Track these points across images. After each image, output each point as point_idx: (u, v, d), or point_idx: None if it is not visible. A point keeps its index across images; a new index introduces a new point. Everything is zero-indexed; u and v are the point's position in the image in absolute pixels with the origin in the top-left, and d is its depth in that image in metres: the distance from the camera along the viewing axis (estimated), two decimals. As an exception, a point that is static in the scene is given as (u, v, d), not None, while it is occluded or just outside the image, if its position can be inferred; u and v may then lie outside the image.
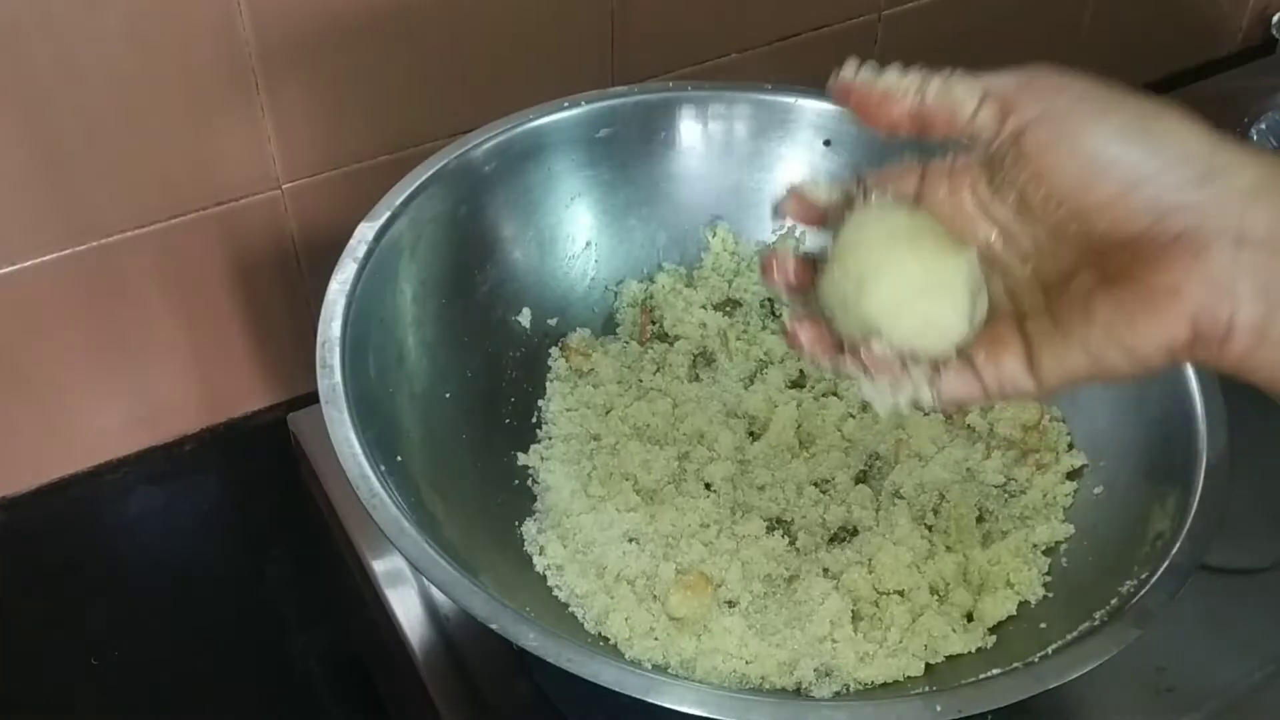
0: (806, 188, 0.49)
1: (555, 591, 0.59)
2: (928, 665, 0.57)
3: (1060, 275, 0.44)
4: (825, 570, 0.61)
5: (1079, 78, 0.42)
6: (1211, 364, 0.41)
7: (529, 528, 0.62)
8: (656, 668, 0.55)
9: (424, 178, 0.64)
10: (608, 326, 0.72)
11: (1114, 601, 0.52)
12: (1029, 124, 0.41)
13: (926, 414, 0.68)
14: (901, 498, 0.64)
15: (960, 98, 0.42)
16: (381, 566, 0.69)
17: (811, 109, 0.70)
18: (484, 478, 0.64)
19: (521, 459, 0.66)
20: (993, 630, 0.58)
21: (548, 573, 0.60)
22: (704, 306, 0.72)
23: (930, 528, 0.63)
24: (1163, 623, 0.50)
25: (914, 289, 0.45)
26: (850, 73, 0.44)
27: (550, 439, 0.67)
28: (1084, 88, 0.42)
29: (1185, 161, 0.40)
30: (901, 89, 0.43)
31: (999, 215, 0.45)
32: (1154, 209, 0.40)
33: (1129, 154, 0.40)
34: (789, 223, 0.72)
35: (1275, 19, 1.07)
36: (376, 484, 0.52)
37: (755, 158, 0.71)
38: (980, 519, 0.63)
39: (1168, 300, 0.40)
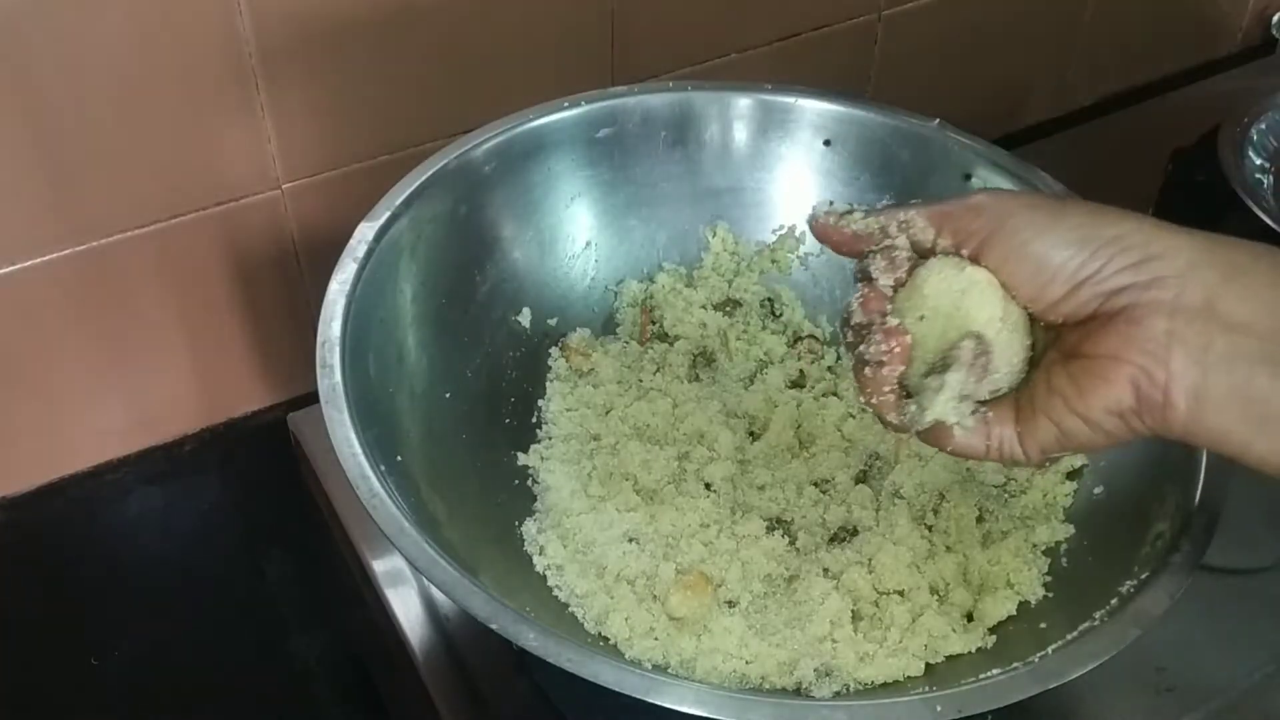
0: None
1: (555, 591, 0.59)
2: (928, 665, 0.57)
3: (1036, 361, 0.48)
4: (825, 570, 0.61)
5: (1023, 195, 0.48)
6: (1161, 431, 0.45)
7: (529, 528, 0.62)
8: (656, 668, 0.55)
9: (424, 178, 0.63)
10: (608, 326, 0.72)
11: (1114, 601, 0.52)
12: (983, 246, 0.47)
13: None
14: (901, 498, 0.64)
15: (919, 231, 0.48)
16: (381, 566, 0.69)
17: (811, 109, 0.70)
18: (484, 478, 0.64)
19: (521, 459, 0.66)
20: (993, 630, 0.58)
21: (548, 573, 0.60)
22: (704, 306, 0.72)
23: (930, 528, 0.63)
24: (1163, 623, 0.50)
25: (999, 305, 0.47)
26: (821, 215, 0.50)
27: (550, 439, 0.67)
28: (1035, 202, 0.47)
29: (1125, 252, 0.44)
30: (868, 229, 0.49)
31: None
32: (1099, 295, 0.45)
33: (1073, 256, 0.45)
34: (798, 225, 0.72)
35: (1275, 19, 1.07)
36: (376, 484, 0.52)
37: (755, 158, 0.71)
38: (980, 519, 0.63)
39: (1108, 366, 0.44)
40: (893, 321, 0.48)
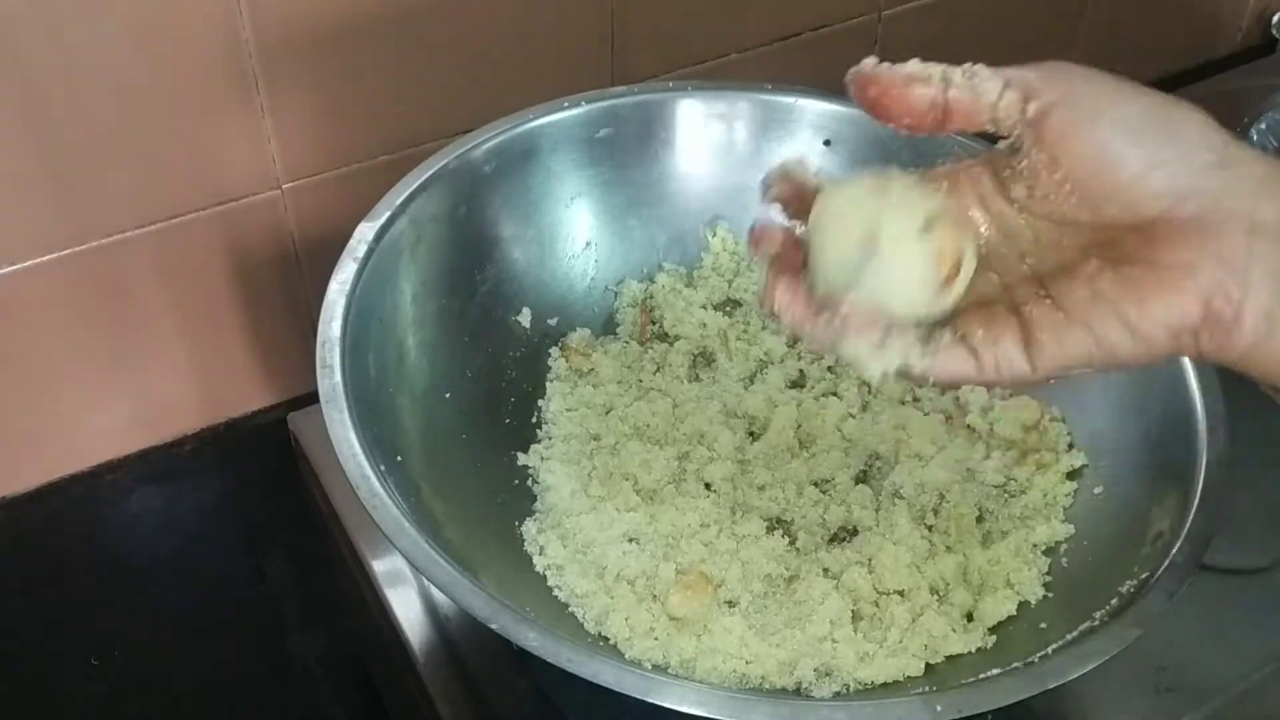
0: (795, 168, 0.48)
1: (555, 591, 0.59)
2: (928, 665, 0.57)
3: (1061, 267, 0.44)
4: (825, 570, 0.61)
5: (1099, 71, 0.43)
6: (1215, 354, 0.41)
7: (529, 528, 0.62)
8: (656, 668, 0.55)
9: (424, 178, 0.64)
10: (608, 326, 0.72)
11: (1114, 601, 0.52)
12: (1050, 109, 0.42)
13: (925, 412, 0.68)
14: (901, 498, 0.64)
15: (983, 85, 0.43)
16: (381, 566, 0.69)
17: (811, 109, 0.70)
18: (484, 478, 0.64)
19: (521, 459, 0.66)
20: (993, 630, 0.58)
21: (548, 573, 0.60)
22: (704, 306, 0.72)
23: (930, 528, 0.63)
24: (1163, 623, 0.50)
25: (870, 250, 0.43)
26: (870, 65, 0.44)
27: (550, 439, 0.67)
28: (1104, 78, 0.43)
29: (1201, 149, 0.41)
30: (926, 74, 0.43)
31: (999, 210, 0.45)
32: (1169, 192, 0.41)
33: (1146, 140, 0.41)
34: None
35: (1275, 19, 1.07)
36: (376, 484, 0.52)
37: (755, 158, 0.71)
38: (980, 519, 0.63)
39: (1181, 277, 0.40)
40: (766, 268, 0.45)
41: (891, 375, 0.44)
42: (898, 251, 0.43)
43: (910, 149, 0.69)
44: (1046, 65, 0.43)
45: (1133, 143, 0.41)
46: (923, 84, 0.43)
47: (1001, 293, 0.45)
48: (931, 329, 0.44)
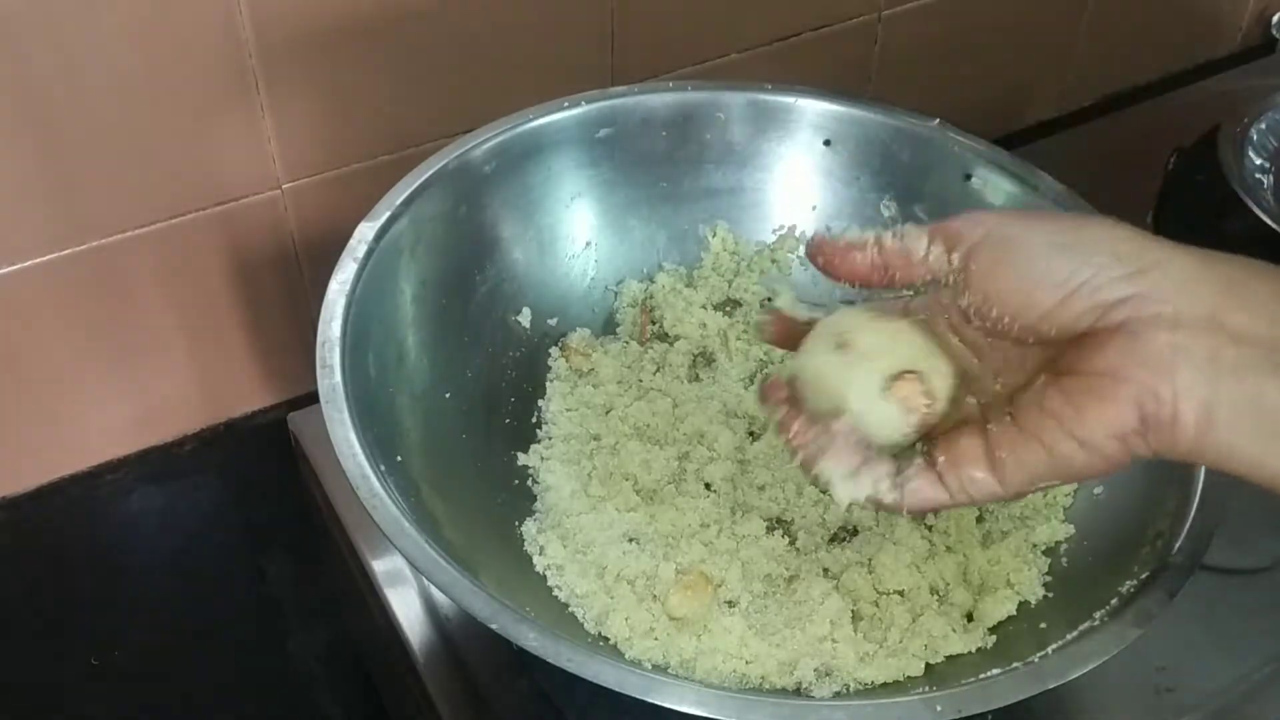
0: (786, 307, 0.52)
1: (555, 591, 0.59)
2: (928, 665, 0.57)
3: (1025, 383, 0.46)
4: (825, 570, 0.61)
5: (1018, 211, 0.48)
6: (1166, 452, 0.42)
7: (529, 528, 0.62)
8: (656, 668, 0.55)
9: (424, 178, 0.63)
10: (608, 326, 0.72)
11: (1114, 601, 0.52)
12: (971, 252, 0.45)
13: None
14: (901, 498, 0.64)
15: (912, 243, 0.46)
16: (381, 566, 0.69)
17: (811, 109, 0.70)
18: (484, 478, 0.64)
19: (521, 459, 0.66)
20: (993, 630, 0.58)
21: (548, 573, 0.60)
22: (704, 306, 0.72)
23: (930, 528, 0.63)
24: (1163, 623, 0.50)
25: (852, 380, 0.47)
26: (818, 236, 0.49)
27: (550, 439, 0.67)
28: (1016, 215, 0.46)
29: (1118, 262, 0.42)
30: (861, 240, 0.48)
31: (970, 337, 0.48)
32: (1094, 308, 0.42)
33: (1063, 265, 0.43)
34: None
35: (1275, 19, 1.07)
36: (376, 484, 0.52)
37: (755, 158, 0.71)
38: (980, 519, 0.63)
39: (1109, 385, 0.42)
40: (778, 413, 0.49)
41: (860, 502, 0.47)
42: (865, 411, 0.47)
43: (910, 149, 0.70)
44: (968, 214, 0.47)
45: (1048, 270, 0.43)
46: (860, 250, 0.47)
47: (979, 413, 0.48)
48: (909, 450, 0.47)
